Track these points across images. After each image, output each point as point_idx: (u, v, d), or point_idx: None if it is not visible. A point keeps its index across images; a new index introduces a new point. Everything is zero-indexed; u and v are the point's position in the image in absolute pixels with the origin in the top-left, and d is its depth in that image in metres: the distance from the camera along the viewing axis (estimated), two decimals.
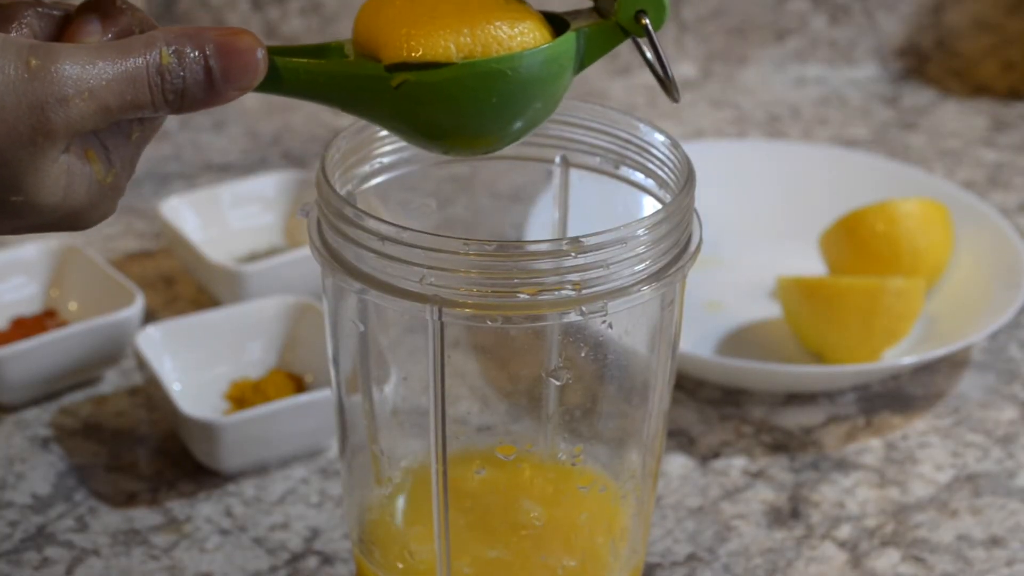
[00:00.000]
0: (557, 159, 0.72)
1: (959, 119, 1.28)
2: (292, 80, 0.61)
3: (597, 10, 0.63)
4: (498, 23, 0.60)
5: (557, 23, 0.63)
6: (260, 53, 0.58)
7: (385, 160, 0.70)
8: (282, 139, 1.22)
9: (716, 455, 0.89)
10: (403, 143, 0.70)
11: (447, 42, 0.60)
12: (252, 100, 1.26)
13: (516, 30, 0.60)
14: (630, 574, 0.73)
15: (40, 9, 0.58)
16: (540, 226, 0.97)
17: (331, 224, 0.64)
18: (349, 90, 0.61)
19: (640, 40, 0.62)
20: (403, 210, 0.76)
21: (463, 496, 0.70)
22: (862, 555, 0.82)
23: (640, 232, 0.62)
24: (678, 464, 0.88)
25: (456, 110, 0.61)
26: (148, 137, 0.59)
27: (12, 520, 0.83)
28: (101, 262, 0.96)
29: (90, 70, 0.55)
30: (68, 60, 0.54)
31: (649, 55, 0.62)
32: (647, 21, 0.61)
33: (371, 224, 0.62)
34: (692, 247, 0.65)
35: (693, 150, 0.72)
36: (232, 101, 0.58)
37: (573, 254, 0.61)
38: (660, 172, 0.69)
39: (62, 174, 0.55)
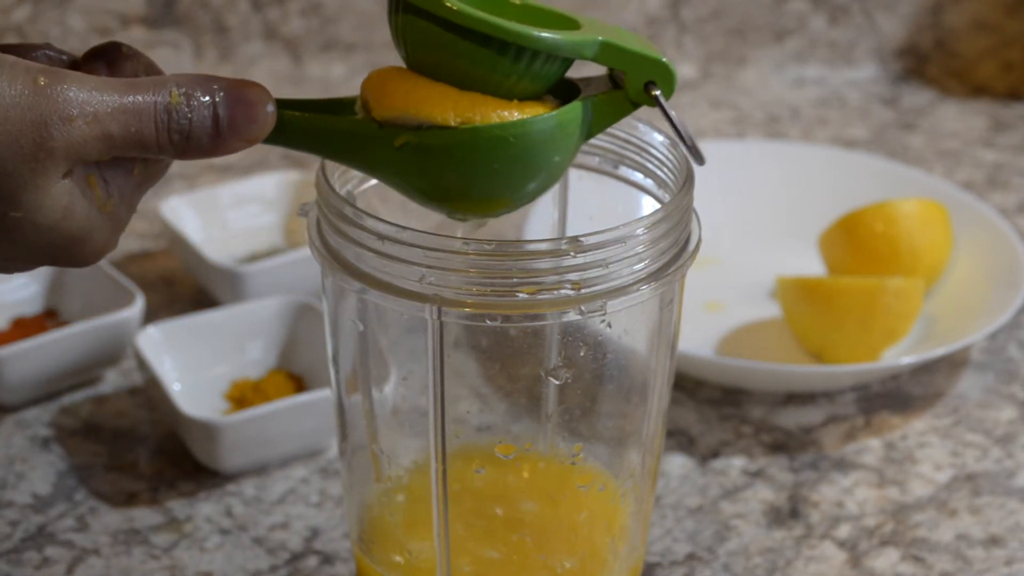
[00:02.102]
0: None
1: (958, 120, 1.28)
2: (296, 134, 0.61)
3: (612, 78, 0.63)
4: (503, 106, 0.60)
5: (570, 89, 0.62)
6: (270, 107, 0.58)
7: None
8: None
9: (716, 455, 0.89)
10: None
11: (445, 109, 0.59)
12: None
13: (519, 113, 0.60)
14: (629, 573, 0.73)
15: (50, 53, 0.59)
16: (539, 226, 0.97)
17: (331, 224, 0.64)
18: (353, 147, 0.61)
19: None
20: (403, 210, 0.76)
21: (463, 495, 0.71)
22: (861, 554, 0.82)
23: (639, 231, 0.62)
24: (678, 464, 0.88)
25: (458, 174, 0.60)
26: (150, 179, 0.59)
27: (13, 520, 0.83)
28: (101, 262, 0.96)
29: (97, 96, 0.55)
30: (75, 84, 0.55)
31: (675, 118, 0.62)
32: (657, 92, 0.61)
33: (371, 223, 0.62)
34: (691, 246, 0.65)
35: None
36: (237, 152, 0.58)
37: (572, 253, 0.61)
38: (659, 172, 0.69)
39: (63, 194, 0.55)
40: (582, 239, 0.61)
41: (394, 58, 0.63)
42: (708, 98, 1.31)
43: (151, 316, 0.98)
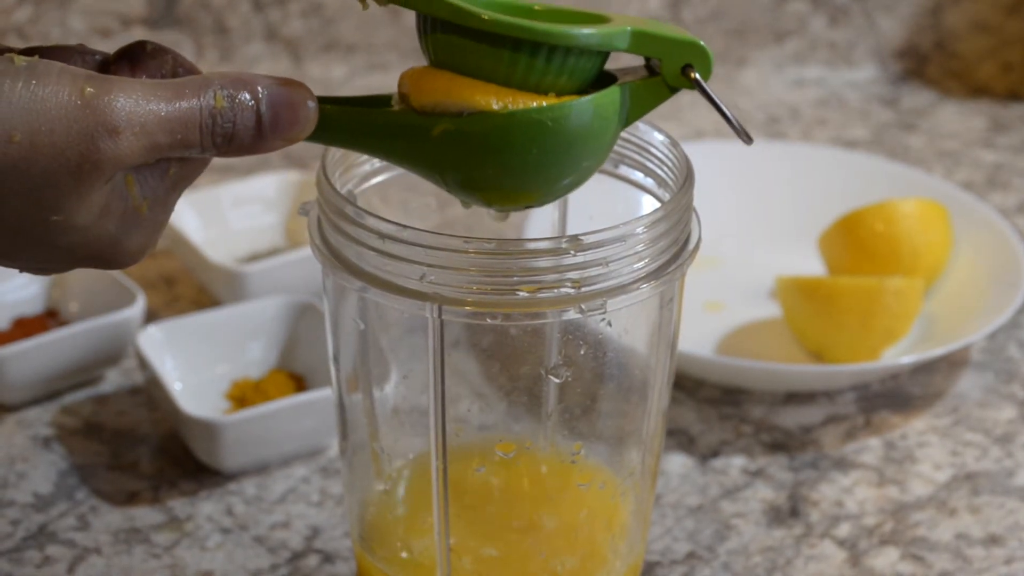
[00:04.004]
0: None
1: (958, 120, 1.28)
2: (335, 129, 0.61)
3: (648, 67, 0.63)
4: (541, 99, 0.60)
5: (606, 79, 0.63)
6: (311, 105, 0.58)
7: None
8: None
9: (716, 454, 0.89)
10: None
11: (487, 95, 0.60)
12: None
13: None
14: (629, 571, 0.73)
15: (85, 55, 0.59)
16: (540, 225, 0.97)
17: (332, 223, 0.64)
18: (391, 139, 0.61)
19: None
20: (403, 210, 0.77)
21: (463, 493, 0.71)
22: (861, 553, 0.82)
23: (639, 230, 0.62)
24: (678, 463, 0.88)
25: (495, 161, 0.60)
26: (187, 178, 0.59)
27: (14, 519, 0.83)
28: None
29: (144, 105, 0.55)
30: (122, 93, 0.54)
31: (722, 106, 0.62)
32: (696, 75, 0.61)
33: (372, 222, 0.62)
34: (691, 245, 0.65)
35: (693, 151, 0.72)
36: (277, 151, 0.59)
37: (572, 252, 0.61)
38: (659, 171, 0.69)
39: (101, 197, 0.55)
40: (582, 238, 0.61)
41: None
42: None
43: (152, 316, 0.98)
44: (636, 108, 0.62)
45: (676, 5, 1.33)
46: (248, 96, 0.57)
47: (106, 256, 0.57)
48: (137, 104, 0.55)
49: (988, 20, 1.35)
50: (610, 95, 0.61)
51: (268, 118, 0.57)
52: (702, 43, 0.61)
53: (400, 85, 0.62)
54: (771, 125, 1.27)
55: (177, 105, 0.55)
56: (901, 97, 1.32)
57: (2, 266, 0.57)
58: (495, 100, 0.60)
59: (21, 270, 0.58)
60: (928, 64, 1.35)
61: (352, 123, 0.61)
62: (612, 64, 0.63)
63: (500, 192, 0.62)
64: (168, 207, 0.59)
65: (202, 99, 0.56)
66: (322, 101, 0.60)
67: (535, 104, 0.60)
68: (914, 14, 1.35)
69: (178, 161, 0.58)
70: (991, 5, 1.35)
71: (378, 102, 0.63)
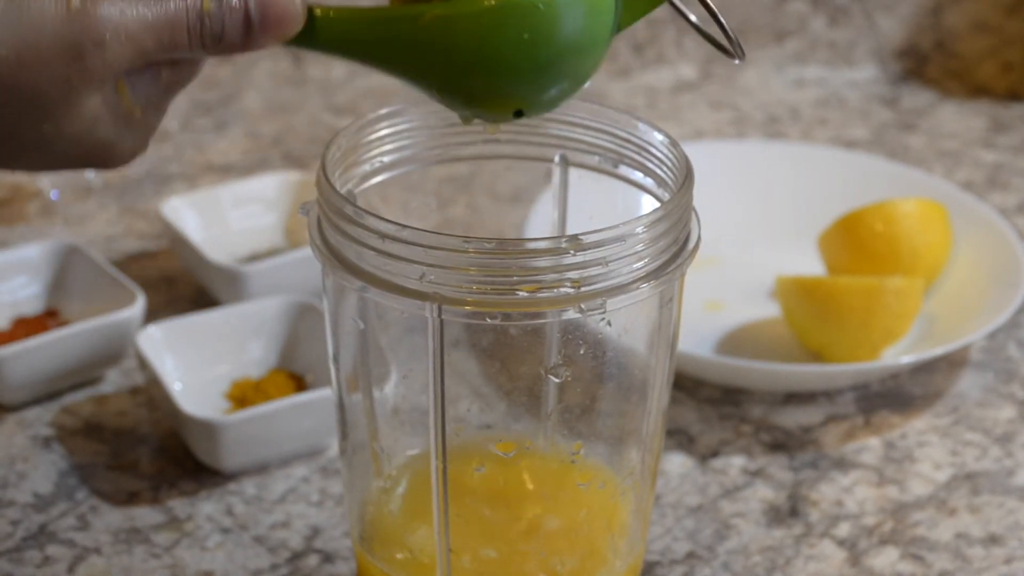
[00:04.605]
0: (556, 158, 0.72)
1: (958, 120, 1.28)
2: (326, 32, 0.60)
3: None
4: None
5: None
6: (298, 5, 0.58)
7: (385, 159, 0.70)
8: (283, 140, 1.22)
9: (715, 454, 0.89)
10: (403, 142, 0.70)
11: None
12: (253, 102, 1.27)
13: None
14: (629, 570, 0.73)
15: None
16: (540, 225, 0.97)
17: (331, 222, 0.64)
18: (381, 38, 0.61)
19: (680, 5, 0.62)
20: (403, 210, 0.77)
21: (463, 493, 0.71)
22: (861, 553, 0.82)
23: (638, 230, 0.62)
24: (677, 463, 0.88)
25: (488, 51, 0.60)
26: (179, 83, 0.59)
27: (14, 519, 0.84)
28: (102, 262, 0.96)
29: (129, 12, 0.55)
30: (107, 1, 0.54)
31: (693, 19, 0.61)
32: None
33: (371, 222, 0.62)
34: (690, 245, 0.65)
35: (693, 151, 0.72)
36: (264, 48, 0.58)
37: (572, 252, 0.61)
38: (659, 171, 0.69)
39: (93, 105, 0.55)
40: (582, 237, 0.61)
41: None
42: (708, 99, 1.31)
43: (152, 316, 0.98)
44: (627, 13, 0.62)
45: None
46: None
47: (100, 158, 0.58)
48: (123, 12, 0.55)
49: (988, 20, 1.35)
50: None
51: (257, 18, 0.58)
52: None
53: None
54: (771, 125, 1.27)
55: (164, 9, 0.56)
56: (901, 97, 1.32)
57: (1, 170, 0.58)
58: None
59: (18, 170, 0.58)
60: (928, 64, 1.35)
61: (341, 23, 0.61)
62: None
63: (489, 90, 0.62)
64: (161, 110, 0.59)
65: (189, 2, 0.56)
66: (311, 4, 0.60)
67: None
68: (914, 14, 1.35)
69: (169, 65, 0.58)
70: (991, 5, 1.35)
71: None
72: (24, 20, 0.53)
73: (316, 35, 0.61)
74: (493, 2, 0.59)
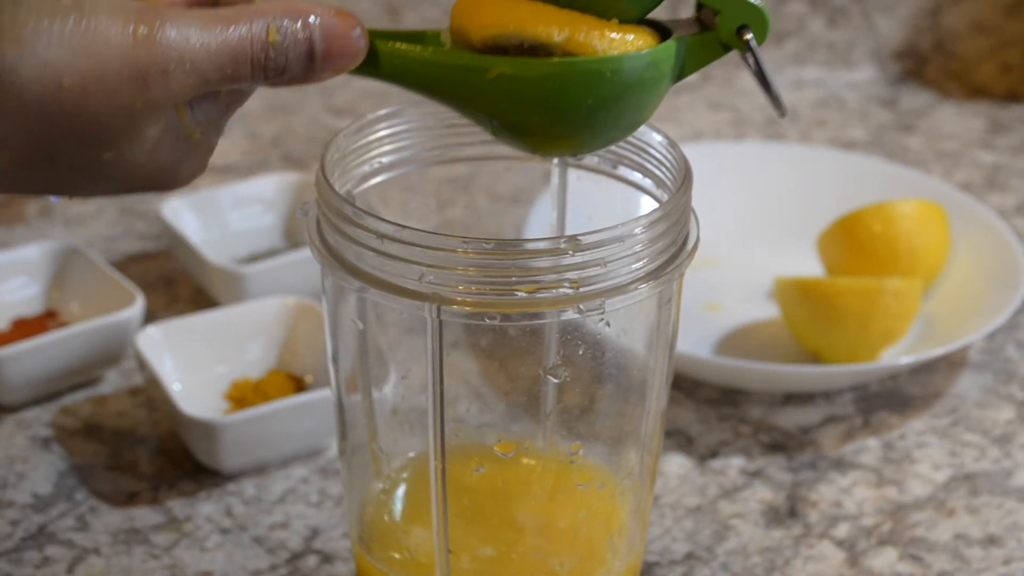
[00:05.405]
0: (555, 159, 0.72)
1: (957, 121, 1.28)
2: (388, 65, 0.60)
3: (700, 20, 0.63)
4: (604, 26, 0.60)
5: (659, 30, 0.63)
6: (362, 39, 0.58)
7: (384, 160, 0.70)
8: (282, 141, 1.22)
9: (714, 455, 0.89)
10: (401, 143, 0.70)
11: (548, 25, 0.59)
12: (253, 102, 1.27)
13: (620, 33, 0.60)
14: (628, 570, 0.73)
15: None
16: (539, 225, 0.97)
17: (331, 223, 0.64)
18: (444, 79, 0.61)
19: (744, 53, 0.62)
20: (402, 210, 0.77)
21: (462, 493, 0.71)
22: (860, 554, 0.82)
23: (637, 230, 0.62)
24: (676, 464, 0.88)
25: (550, 108, 0.60)
26: (237, 101, 0.58)
27: (13, 519, 0.84)
28: (102, 263, 0.96)
29: (194, 41, 0.54)
30: (173, 29, 0.54)
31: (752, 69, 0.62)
32: (750, 36, 0.61)
33: (370, 223, 0.62)
34: (689, 246, 0.66)
35: (692, 152, 0.72)
36: (323, 81, 0.58)
37: (571, 252, 0.61)
38: (658, 172, 0.69)
39: (154, 131, 0.55)
40: (580, 238, 0.61)
41: None
42: (707, 100, 1.31)
43: (151, 316, 0.98)
44: (690, 63, 0.63)
45: (676, 5, 1.33)
46: (301, 27, 0.56)
47: (161, 182, 0.57)
48: (188, 41, 0.54)
49: (987, 21, 1.35)
50: (668, 49, 0.61)
51: (321, 51, 0.57)
52: (762, 6, 0.61)
53: (453, 19, 0.61)
54: (770, 126, 1.27)
55: (228, 40, 0.55)
56: (900, 98, 1.32)
57: (60, 196, 0.57)
58: (556, 29, 0.59)
59: (77, 196, 0.57)
60: (927, 65, 1.35)
61: (406, 61, 0.61)
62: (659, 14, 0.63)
63: (546, 138, 0.62)
64: (219, 130, 0.58)
65: (254, 31, 0.55)
66: (377, 36, 0.60)
67: (598, 37, 0.59)
68: (913, 15, 1.35)
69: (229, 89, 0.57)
70: (990, 6, 1.35)
71: (428, 39, 0.62)
72: (89, 48, 0.52)
73: (379, 69, 0.60)
74: (561, 67, 0.59)
